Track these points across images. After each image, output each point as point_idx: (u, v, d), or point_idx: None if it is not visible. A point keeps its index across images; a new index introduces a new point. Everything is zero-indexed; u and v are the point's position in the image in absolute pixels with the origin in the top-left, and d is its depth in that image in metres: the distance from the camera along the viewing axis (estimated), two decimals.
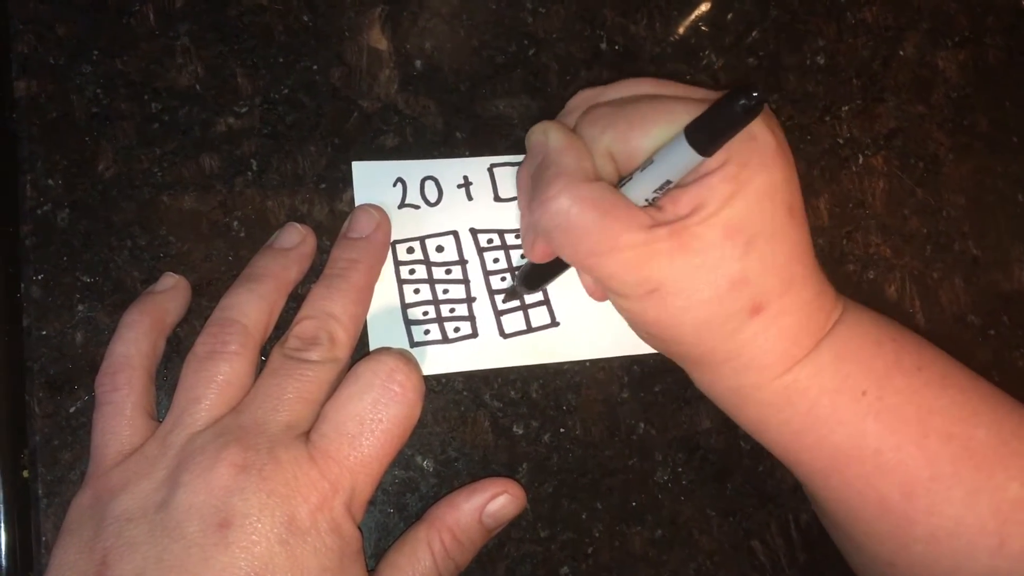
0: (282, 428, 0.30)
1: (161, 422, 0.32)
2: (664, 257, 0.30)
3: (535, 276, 0.37)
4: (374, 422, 0.30)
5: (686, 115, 0.30)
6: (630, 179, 0.32)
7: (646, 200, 0.32)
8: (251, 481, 0.29)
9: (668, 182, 0.31)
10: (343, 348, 0.33)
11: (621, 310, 0.34)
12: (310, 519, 0.29)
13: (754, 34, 0.43)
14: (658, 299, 0.31)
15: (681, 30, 0.43)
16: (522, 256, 0.38)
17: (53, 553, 0.30)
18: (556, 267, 0.36)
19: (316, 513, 0.29)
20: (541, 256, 0.35)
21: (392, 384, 0.31)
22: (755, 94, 0.26)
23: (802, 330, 0.33)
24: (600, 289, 0.36)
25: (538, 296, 0.38)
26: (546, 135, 0.33)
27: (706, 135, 0.29)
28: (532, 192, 0.33)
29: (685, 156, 0.29)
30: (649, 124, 0.32)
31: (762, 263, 0.31)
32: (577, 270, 0.36)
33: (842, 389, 0.33)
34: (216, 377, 0.31)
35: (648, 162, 0.31)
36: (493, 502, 0.34)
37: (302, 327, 0.33)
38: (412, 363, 0.32)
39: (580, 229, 0.31)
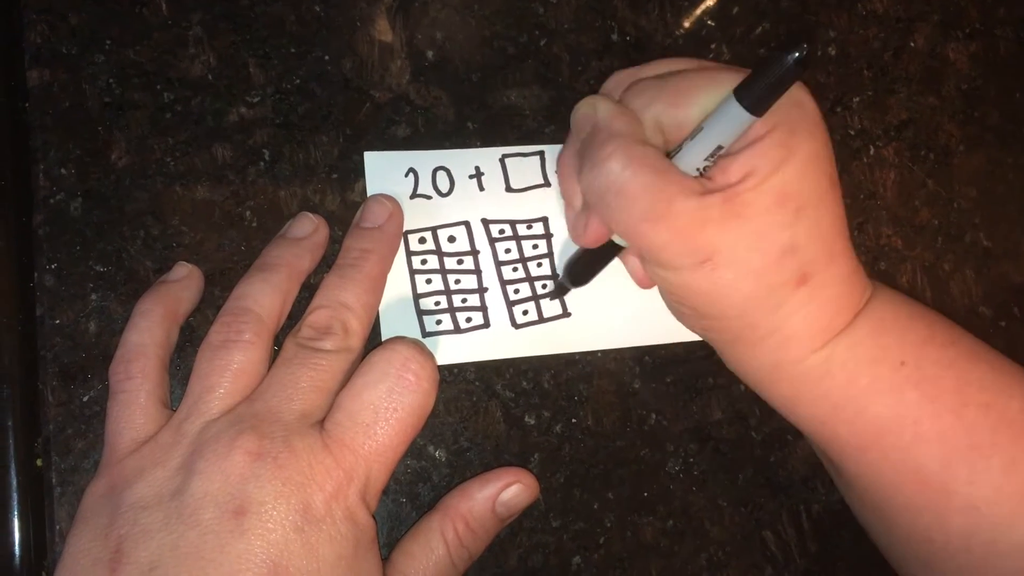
0: (296, 417, 0.30)
1: (175, 411, 0.32)
2: (717, 224, 0.30)
3: (584, 266, 0.37)
4: (388, 411, 0.30)
5: (732, 82, 0.30)
6: (679, 150, 0.32)
7: (697, 170, 0.32)
8: (266, 469, 0.29)
9: (719, 147, 0.31)
10: (357, 337, 0.33)
11: (668, 286, 0.33)
12: (325, 507, 0.29)
13: (764, 25, 0.43)
14: (709, 270, 0.31)
15: (691, 21, 0.43)
16: (531, 262, 0.38)
17: (68, 541, 0.30)
18: (606, 254, 0.35)
19: (331, 501, 0.29)
20: (594, 238, 0.34)
21: (407, 373, 0.31)
22: (804, 45, 0.27)
23: (842, 303, 0.33)
24: (646, 271, 0.35)
25: (551, 286, 0.38)
26: (594, 107, 0.33)
27: (757, 94, 0.29)
28: (582, 161, 0.33)
29: (737, 118, 0.29)
30: (697, 91, 0.32)
31: (809, 231, 0.31)
32: (625, 251, 0.36)
33: (881, 360, 0.33)
34: (230, 366, 0.31)
35: (698, 130, 0.31)
36: (506, 491, 0.34)
37: (315, 316, 0.33)
38: (426, 352, 0.32)
39: (635, 191, 0.30)
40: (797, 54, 0.27)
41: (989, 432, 0.32)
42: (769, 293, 0.31)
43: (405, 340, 0.32)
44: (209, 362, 0.32)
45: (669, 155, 0.33)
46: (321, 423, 0.31)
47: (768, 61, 0.28)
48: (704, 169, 0.32)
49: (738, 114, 0.29)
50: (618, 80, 0.36)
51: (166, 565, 0.28)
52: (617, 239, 0.34)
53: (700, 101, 0.31)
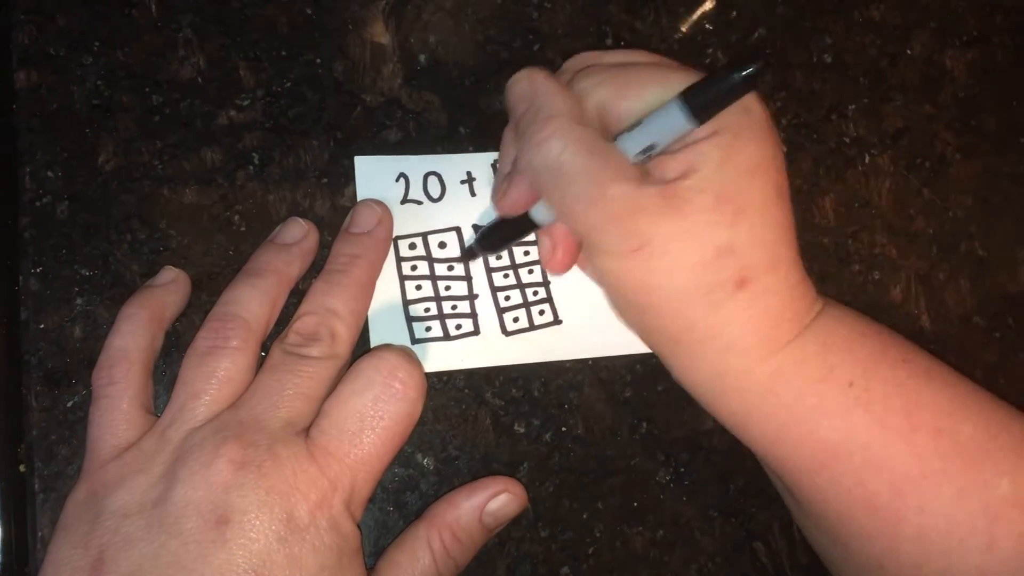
0: (281, 424, 0.30)
1: (159, 417, 0.31)
2: (652, 215, 0.30)
3: (498, 235, 0.36)
4: (375, 419, 0.30)
5: (683, 84, 0.30)
6: (615, 140, 0.31)
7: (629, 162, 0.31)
8: (250, 478, 0.28)
9: (653, 146, 0.30)
10: (344, 344, 0.33)
11: (603, 273, 0.32)
12: (309, 517, 0.28)
13: (760, 31, 0.43)
14: (643, 258, 0.30)
15: (686, 27, 0.42)
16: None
17: (49, 549, 0.29)
18: (521, 227, 0.34)
19: (315, 511, 0.29)
20: (511, 207, 0.33)
21: (393, 381, 0.31)
22: (757, 64, 0.26)
23: (786, 313, 0.32)
24: (585, 258, 0.34)
25: (541, 294, 0.38)
26: (531, 81, 0.32)
27: (702, 102, 0.28)
28: (519, 136, 0.32)
29: (677, 121, 0.29)
30: (645, 86, 0.31)
31: (750, 236, 0.30)
32: (541, 231, 0.35)
33: (829, 379, 0.32)
34: (216, 372, 0.31)
35: (636, 123, 0.31)
36: (494, 501, 0.34)
37: (302, 323, 0.32)
38: (414, 360, 0.32)
39: (571, 172, 0.30)
40: (747, 71, 0.27)
41: (940, 459, 0.31)
42: (706, 291, 0.31)
43: (393, 348, 0.32)
44: (195, 368, 0.31)
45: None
46: (306, 431, 0.30)
47: (720, 72, 0.28)
48: (637, 162, 0.31)
49: (678, 117, 0.29)
50: (579, 60, 0.35)
51: (147, 574, 0.27)
52: (535, 214, 0.34)
53: (646, 96, 0.31)
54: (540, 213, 0.33)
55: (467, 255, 0.38)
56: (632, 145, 0.31)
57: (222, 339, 0.31)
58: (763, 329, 0.31)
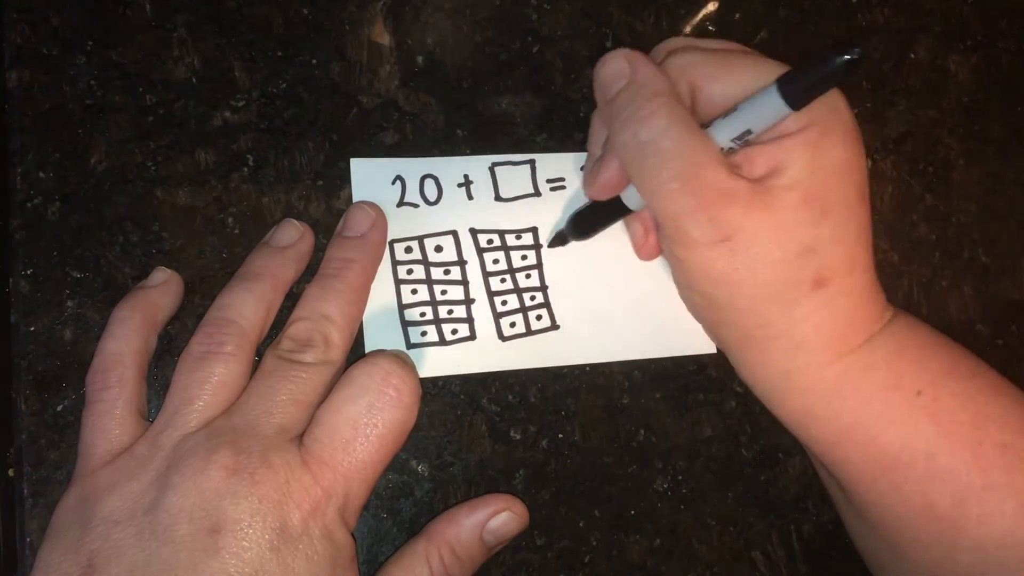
0: (275, 431, 0.29)
1: (152, 422, 0.31)
2: (743, 207, 0.30)
3: (588, 220, 0.36)
4: (369, 427, 0.30)
5: (777, 71, 0.30)
6: (708, 126, 0.32)
7: (721, 149, 0.31)
8: (242, 485, 0.28)
9: (748, 132, 0.30)
10: (338, 350, 0.32)
11: (683, 265, 0.32)
12: (302, 525, 0.28)
13: (762, 34, 0.42)
14: (727, 250, 0.30)
15: (688, 29, 0.42)
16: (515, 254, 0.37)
17: (39, 555, 0.29)
18: (612, 211, 0.35)
19: (308, 519, 0.28)
20: (603, 190, 0.34)
21: (388, 388, 0.30)
22: (858, 49, 0.26)
23: (858, 316, 0.32)
24: (663, 247, 0.34)
25: (539, 298, 0.38)
26: (630, 60, 0.32)
27: (799, 87, 0.29)
28: (616, 114, 0.32)
29: (774, 106, 0.29)
30: (740, 71, 0.31)
31: (833, 236, 0.31)
32: (630, 217, 0.35)
33: (897, 386, 0.32)
34: (210, 378, 0.30)
35: (731, 110, 0.31)
36: (495, 519, 0.33)
37: (296, 328, 0.32)
38: (408, 366, 0.31)
39: (672, 151, 0.30)
40: (848, 56, 0.26)
41: (1005, 473, 0.31)
42: (784, 288, 0.31)
43: (387, 353, 0.32)
44: (189, 373, 0.31)
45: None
46: (300, 438, 0.30)
47: (817, 58, 0.28)
48: (728, 152, 0.31)
49: (776, 103, 0.29)
50: (671, 43, 0.35)
51: None
52: (626, 198, 0.34)
53: (742, 80, 0.31)
54: (632, 198, 0.34)
55: (557, 240, 0.38)
56: (727, 131, 0.31)
57: (216, 344, 0.31)
58: (835, 330, 0.32)
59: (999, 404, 0.32)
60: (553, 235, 0.38)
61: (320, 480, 0.29)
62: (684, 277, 0.33)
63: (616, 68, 0.32)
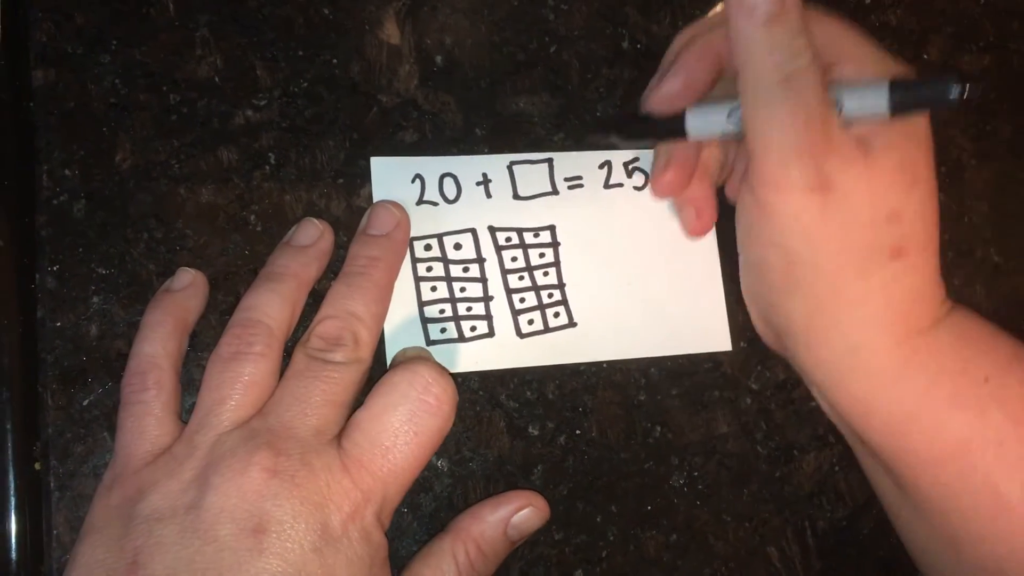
0: (312, 433, 0.30)
1: (186, 422, 0.32)
2: (845, 158, 0.30)
3: (637, 128, 0.36)
4: (409, 434, 0.30)
5: (880, 59, 0.32)
6: None
7: None
8: (284, 487, 0.28)
9: (841, 113, 0.31)
10: (367, 348, 0.33)
11: (771, 208, 0.31)
12: (342, 528, 0.29)
13: None
14: (823, 200, 0.30)
15: None
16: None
17: (77, 551, 0.29)
18: (664, 130, 0.35)
19: (348, 522, 0.29)
20: (673, 99, 0.34)
21: (428, 396, 0.31)
22: (980, 85, 0.27)
23: (927, 295, 0.32)
24: (749, 197, 0.32)
25: (556, 296, 0.38)
26: None
27: (906, 98, 0.29)
28: (761, 42, 0.30)
29: (876, 105, 0.30)
30: (850, 45, 0.32)
31: (919, 207, 0.31)
32: (751, 142, 0.33)
33: (964, 371, 0.32)
34: (241, 378, 0.31)
35: (834, 87, 0.31)
36: (518, 514, 0.34)
37: (325, 327, 0.32)
38: (447, 376, 0.32)
39: (808, 92, 0.29)
40: (964, 88, 0.27)
41: None
42: (865, 252, 0.31)
43: (427, 361, 0.32)
44: (220, 374, 0.31)
45: None
46: (337, 439, 0.31)
47: (935, 78, 0.28)
48: None
49: (879, 102, 0.30)
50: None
51: None
52: (691, 123, 0.33)
53: (845, 38, 0.32)
54: (697, 123, 0.33)
55: (599, 130, 0.38)
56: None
57: (245, 344, 0.31)
58: (905, 305, 0.32)
59: None
60: (596, 128, 0.38)
61: (359, 484, 0.29)
62: (768, 226, 0.32)
63: None
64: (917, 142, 0.31)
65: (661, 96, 0.34)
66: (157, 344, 0.32)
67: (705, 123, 0.33)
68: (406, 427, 0.30)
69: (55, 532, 0.33)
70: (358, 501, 0.29)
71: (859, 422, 0.34)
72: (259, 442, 0.29)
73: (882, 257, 0.31)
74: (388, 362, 0.36)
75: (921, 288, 0.32)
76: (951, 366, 0.32)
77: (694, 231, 0.38)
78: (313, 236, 0.35)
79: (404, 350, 0.36)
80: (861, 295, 0.31)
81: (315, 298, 0.34)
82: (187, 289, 0.34)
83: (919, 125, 0.31)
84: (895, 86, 0.29)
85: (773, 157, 0.30)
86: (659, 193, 0.37)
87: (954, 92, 0.27)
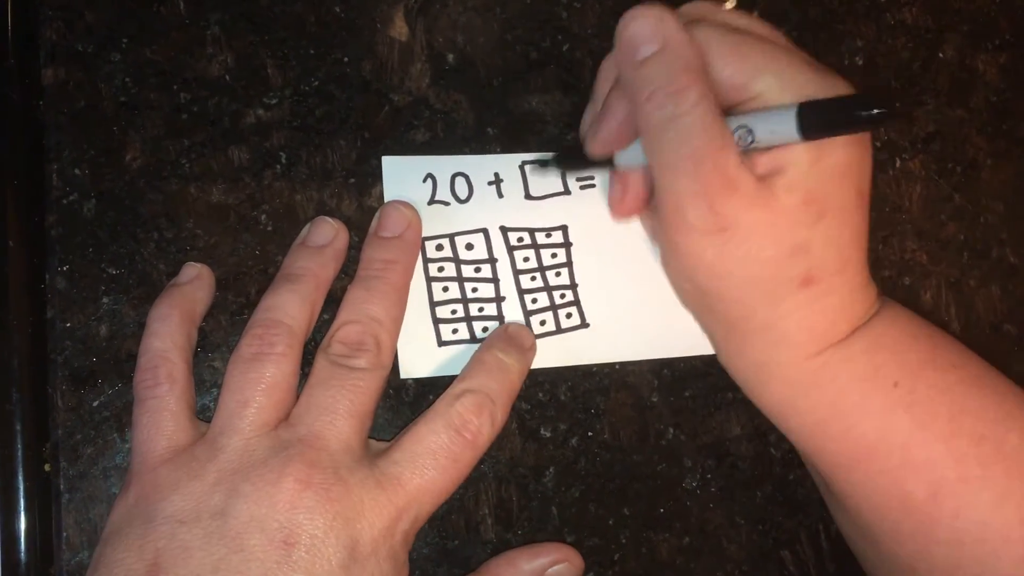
0: (342, 445, 0.30)
1: (199, 419, 0.32)
2: (743, 201, 0.30)
3: (576, 160, 0.37)
4: (448, 460, 0.31)
5: (792, 75, 0.30)
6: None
7: None
8: (317, 500, 0.28)
9: (754, 143, 0.30)
10: (388, 353, 0.33)
11: (675, 248, 0.32)
12: (372, 545, 0.29)
13: (792, 34, 0.42)
14: (722, 240, 0.30)
15: None
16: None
17: (98, 551, 0.29)
18: (600, 162, 0.35)
19: (379, 539, 0.29)
20: (603, 147, 0.34)
21: (469, 426, 0.31)
22: (884, 108, 0.27)
23: (842, 314, 0.32)
24: (656, 227, 0.34)
25: (569, 297, 0.38)
26: (663, 23, 0.30)
27: (817, 122, 0.29)
28: (646, 78, 0.30)
29: (786, 130, 0.29)
30: (757, 64, 0.31)
31: (827, 238, 0.31)
32: (613, 179, 0.36)
33: (873, 378, 0.32)
34: (263, 379, 0.31)
35: (741, 115, 0.30)
36: (553, 568, 0.34)
37: (346, 332, 0.32)
38: (490, 407, 0.32)
39: (695, 130, 0.29)
40: (875, 111, 0.27)
41: (979, 465, 0.31)
42: (772, 285, 0.31)
43: (475, 392, 0.32)
44: (242, 375, 0.31)
45: None
46: (369, 454, 0.31)
47: (844, 101, 0.28)
48: None
49: (789, 128, 0.29)
50: (694, 8, 0.34)
51: None
52: (618, 157, 0.34)
53: (760, 72, 0.30)
54: (623, 158, 0.34)
55: (539, 165, 0.38)
56: (734, 132, 0.30)
57: (267, 345, 0.31)
58: (818, 327, 0.32)
59: (977, 396, 0.32)
60: (535, 160, 0.38)
61: (395, 500, 0.29)
62: (675, 262, 0.33)
63: (647, 30, 0.31)
64: (826, 176, 0.30)
65: (600, 143, 0.34)
66: (166, 339, 0.32)
67: (631, 156, 0.34)
68: (445, 453, 0.31)
69: (64, 534, 0.33)
70: (392, 517, 0.29)
71: (779, 424, 0.35)
72: (291, 453, 0.29)
73: (790, 287, 0.31)
74: (400, 369, 0.35)
75: (836, 309, 0.32)
76: (861, 373, 0.32)
77: (615, 210, 0.36)
78: (329, 235, 0.34)
79: (507, 325, 0.36)
80: (771, 320, 0.32)
81: (330, 299, 0.34)
82: (193, 282, 0.34)
83: (832, 155, 0.30)
84: (803, 109, 0.29)
85: (669, 200, 0.31)
86: (618, 217, 0.37)
87: (864, 114, 0.27)
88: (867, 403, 0.32)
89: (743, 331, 0.33)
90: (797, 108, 0.29)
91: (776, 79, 0.30)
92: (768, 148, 0.30)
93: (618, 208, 0.36)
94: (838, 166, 0.30)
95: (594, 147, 0.34)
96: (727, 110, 0.31)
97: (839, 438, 0.32)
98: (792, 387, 0.33)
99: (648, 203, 0.36)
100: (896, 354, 0.32)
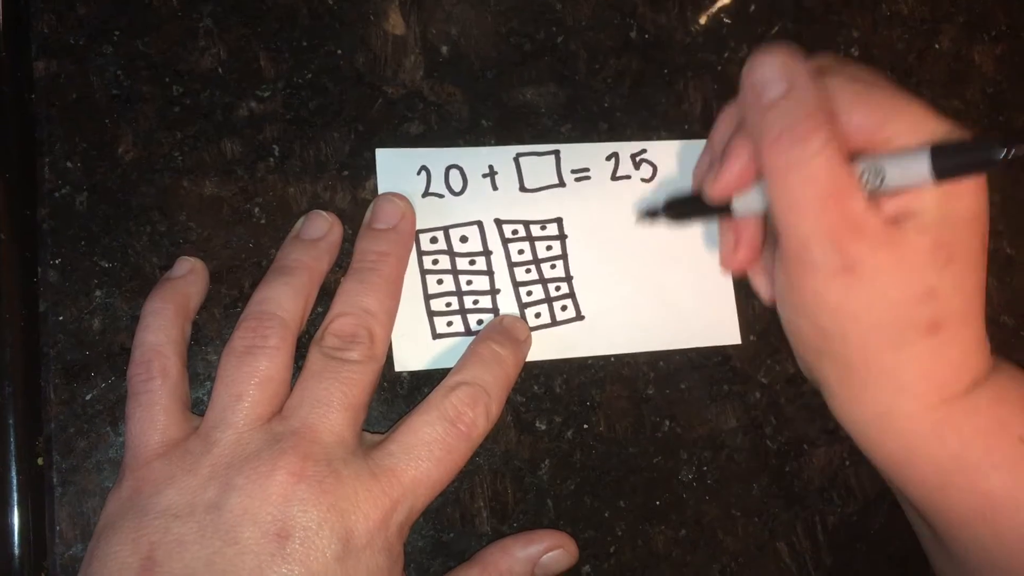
0: (335, 438, 0.30)
1: (195, 415, 0.32)
2: (872, 241, 0.30)
3: (687, 209, 0.36)
4: (443, 451, 0.31)
5: (923, 120, 0.30)
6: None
7: None
8: (311, 493, 0.28)
9: (884, 184, 0.30)
10: (381, 345, 0.33)
11: (800, 288, 0.32)
12: (367, 536, 0.29)
13: (788, 24, 0.42)
14: (848, 281, 0.30)
15: (711, 20, 0.42)
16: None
17: (92, 545, 0.29)
18: (715, 210, 0.35)
19: (374, 531, 0.29)
20: (724, 190, 0.33)
21: (464, 419, 0.31)
22: (1016, 146, 0.27)
23: (965, 364, 0.32)
24: (777, 271, 0.33)
25: (564, 289, 0.38)
26: (790, 67, 0.31)
27: (950, 163, 0.28)
28: (772, 122, 0.30)
29: (919, 173, 0.29)
30: (889, 108, 0.31)
31: (954, 284, 0.31)
32: (724, 224, 0.35)
33: (998, 432, 0.32)
34: (256, 373, 0.31)
35: (874, 158, 0.30)
36: (548, 555, 0.34)
37: (339, 324, 0.32)
38: (485, 400, 0.32)
39: (822, 174, 0.29)
40: (1006, 151, 0.27)
41: None
42: (897, 329, 0.31)
43: (469, 384, 0.32)
44: (236, 369, 0.31)
45: None
46: (363, 446, 0.31)
47: (977, 142, 0.28)
48: None
49: (922, 170, 0.29)
50: (820, 62, 0.33)
51: None
52: (736, 204, 0.34)
53: (892, 117, 0.31)
54: (741, 204, 0.33)
55: (648, 216, 0.38)
56: (864, 172, 0.30)
57: (260, 338, 0.31)
58: (941, 377, 0.32)
59: None
60: (647, 210, 0.38)
61: (389, 492, 0.29)
62: (797, 303, 0.33)
63: (774, 73, 0.31)
64: (956, 219, 0.30)
65: (722, 188, 0.34)
66: (160, 332, 0.32)
67: (749, 203, 0.34)
68: (440, 444, 0.31)
69: (58, 527, 0.33)
70: (386, 509, 0.29)
71: (895, 477, 0.34)
72: (284, 446, 0.29)
73: (916, 333, 0.31)
74: (396, 362, 0.35)
75: (959, 359, 0.32)
76: (985, 426, 0.32)
77: (727, 263, 0.37)
78: (323, 229, 0.34)
79: (501, 317, 0.36)
80: (893, 366, 0.31)
81: (323, 292, 0.34)
82: (187, 276, 0.34)
83: (961, 200, 0.30)
84: (937, 152, 0.29)
85: (793, 241, 0.31)
86: (730, 269, 0.37)
87: (998, 154, 0.27)
88: (993, 457, 0.32)
89: (862, 377, 0.32)
90: (930, 149, 0.29)
91: (906, 123, 0.30)
92: (897, 192, 0.30)
93: (730, 259, 0.36)
94: (967, 213, 0.30)
95: (714, 190, 0.34)
96: (855, 154, 0.31)
97: (963, 491, 0.32)
98: (912, 438, 0.32)
99: (760, 255, 0.36)
100: (1020, 409, 0.32)
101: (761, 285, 0.37)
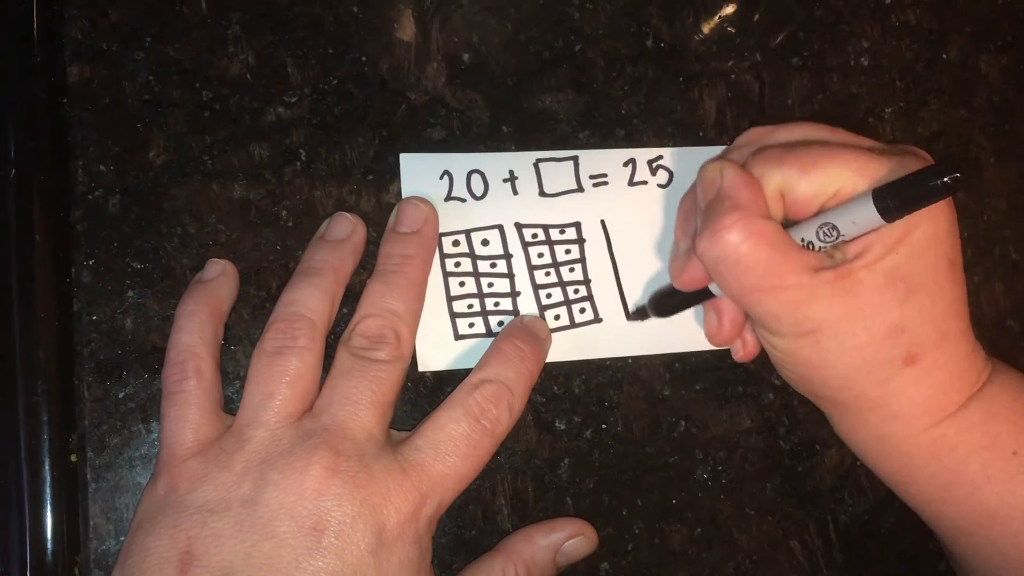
0: (365, 435, 0.31)
1: (227, 412, 0.32)
2: (825, 300, 0.31)
3: (671, 302, 0.37)
4: (469, 447, 0.32)
5: (861, 165, 0.31)
6: (798, 225, 0.32)
7: (808, 243, 0.32)
8: (345, 487, 0.29)
9: (840, 236, 0.31)
10: (408, 345, 0.33)
11: (773, 350, 0.34)
12: (398, 529, 0.29)
13: (799, 34, 0.43)
14: (813, 340, 0.32)
15: (723, 29, 0.42)
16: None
17: (129, 540, 0.30)
18: (696, 296, 0.36)
19: (405, 524, 0.30)
20: (688, 283, 0.35)
21: (488, 415, 0.32)
22: (961, 172, 0.27)
23: (953, 385, 0.33)
24: (724, 331, 0.36)
25: (582, 292, 0.38)
26: (720, 173, 0.33)
27: (895, 202, 0.29)
28: (701, 223, 0.32)
29: (867, 217, 0.30)
30: (829, 165, 0.32)
31: (920, 313, 0.31)
32: (708, 303, 0.36)
33: (992, 447, 0.33)
34: (287, 372, 0.31)
35: (824, 213, 0.31)
36: (569, 542, 0.35)
37: (367, 325, 0.33)
38: (508, 397, 0.33)
39: (749, 264, 0.31)
40: (949, 178, 0.27)
41: None
42: (874, 367, 0.32)
43: (493, 381, 0.33)
44: (267, 368, 0.32)
45: (787, 224, 0.33)
46: (391, 442, 0.32)
47: (918, 175, 0.28)
48: (819, 249, 0.32)
49: (869, 215, 0.30)
50: (751, 136, 0.36)
51: (238, 573, 0.28)
52: (713, 287, 0.35)
53: (831, 174, 0.31)
54: (717, 287, 0.35)
55: (638, 315, 0.38)
56: (818, 233, 0.31)
57: (290, 339, 0.32)
58: (930, 401, 0.33)
59: None
60: (635, 309, 0.39)
61: (419, 486, 0.30)
62: (777, 361, 0.35)
63: (709, 177, 0.33)
64: (909, 252, 0.31)
65: (685, 281, 0.35)
66: (194, 334, 0.32)
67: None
68: (466, 440, 0.32)
69: (91, 523, 0.33)
70: (417, 502, 0.30)
71: (897, 491, 0.36)
72: (317, 442, 0.30)
73: (894, 367, 0.32)
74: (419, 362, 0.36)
75: (945, 383, 0.33)
76: (980, 442, 0.33)
77: (715, 340, 0.37)
78: (347, 230, 0.35)
79: (522, 316, 0.37)
80: (882, 399, 0.33)
81: (348, 294, 0.35)
82: (219, 279, 0.34)
83: (918, 227, 0.31)
84: (879, 195, 0.29)
85: (758, 320, 0.33)
86: (719, 345, 0.37)
87: (938, 183, 0.27)
88: (987, 471, 0.33)
89: (856, 410, 0.34)
90: (872, 194, 0.30)
91: (848, 172, 0.31)
92: (859, 237, 0.31)
93: (716, 336, 0.37)
94: (923, 239, 0.31)
95: (681, 282, 0.35)
96: (817, 213, 0.32)
97: (960, 504, 0.34)
98: (911, 459, 0.34)
99: (744, 328, 0.37)
100: (1013, 422, 0.33)
101: (710, 323, 0.38)
